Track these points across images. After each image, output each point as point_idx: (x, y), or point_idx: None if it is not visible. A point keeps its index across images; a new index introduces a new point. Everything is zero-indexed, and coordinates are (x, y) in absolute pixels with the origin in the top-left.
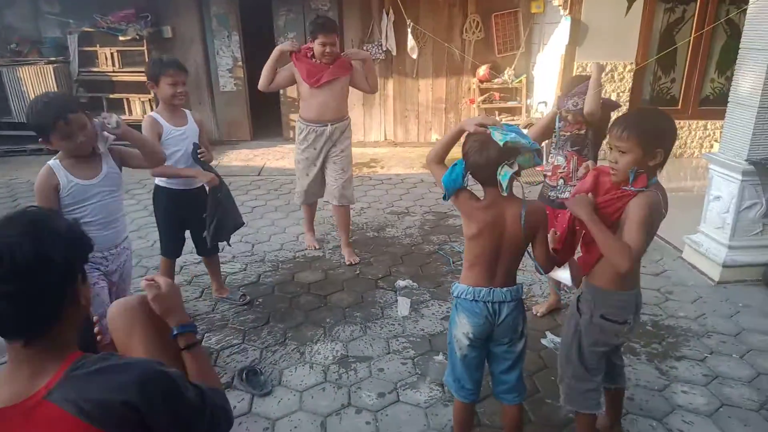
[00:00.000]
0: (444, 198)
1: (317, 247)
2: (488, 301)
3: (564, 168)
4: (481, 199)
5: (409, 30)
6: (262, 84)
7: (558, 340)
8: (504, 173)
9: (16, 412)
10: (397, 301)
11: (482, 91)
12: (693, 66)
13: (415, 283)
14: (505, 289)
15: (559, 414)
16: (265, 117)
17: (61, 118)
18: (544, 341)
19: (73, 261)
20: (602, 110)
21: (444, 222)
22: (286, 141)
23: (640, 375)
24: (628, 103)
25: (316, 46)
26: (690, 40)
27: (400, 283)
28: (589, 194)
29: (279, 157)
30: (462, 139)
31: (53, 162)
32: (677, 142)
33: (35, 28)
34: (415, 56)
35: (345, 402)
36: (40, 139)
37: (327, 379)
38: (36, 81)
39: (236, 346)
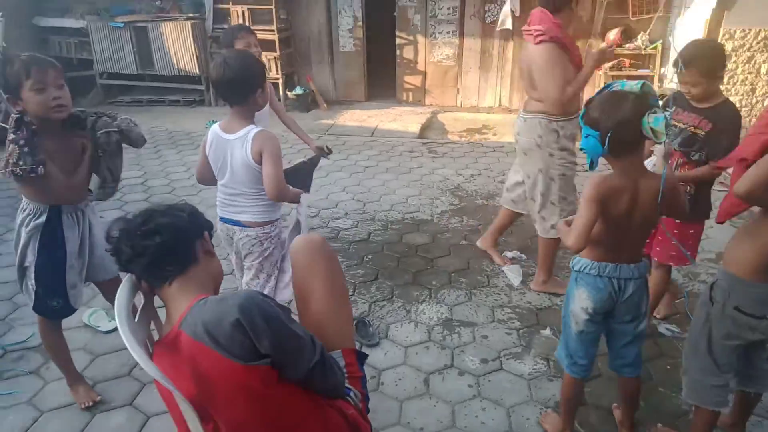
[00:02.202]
0: (591, 167)
1: None
2: (614, 277)
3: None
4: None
5: None
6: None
7: (675, 328)
8: (654, 119)
9: (168, 342)
10: (503, 271)
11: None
12: None
13: (523, 255)
14: (632, 265)
15: (672, 403)
16: (381, 78)
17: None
18: (661, 329)
19: (193, 227)
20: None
21: None
22: (398, 103)
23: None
24: None
25: (567, 11)
26: None
27: (508, 254)
28: None
29: (391, 119)
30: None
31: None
32: None
33: None
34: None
35: (448, 363)
36: (259, 91)
37: (431, 339)
38: (176, 36)
39: None
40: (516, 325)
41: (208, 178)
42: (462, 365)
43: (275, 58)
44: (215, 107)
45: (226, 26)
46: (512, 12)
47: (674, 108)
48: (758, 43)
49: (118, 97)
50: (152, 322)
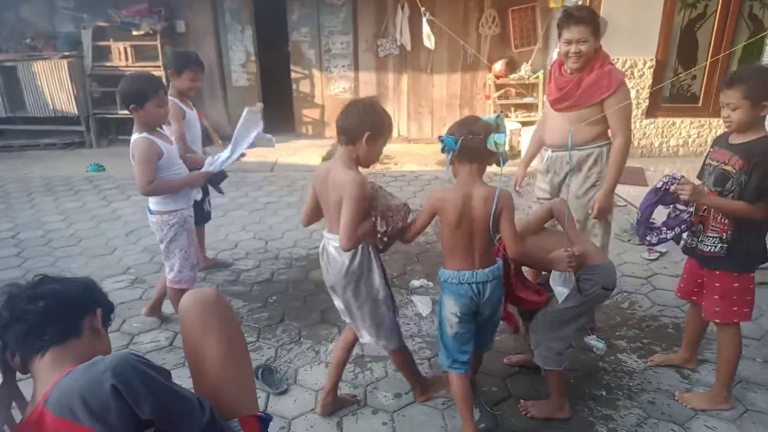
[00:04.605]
0: (451, 146)
1: None
2: (472, 283)
3: (704, 210)
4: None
5: (425, 19)
6: None
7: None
8: (498, 136)
9: (30, 423)
10: (411, 300)
11: (498, 87)
12: (714, 63)
13: (430, 283)
14: (487, 270)
15: (579, 416)
16: (279, 113)
17: (161, 89)
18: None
19: (85, 300)
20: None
21: None
22: (298, 137)
23: (661, 379)
24: (647, 100)
25: (562, 45)
26: (711, 36)
27: (415, 282)
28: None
29: (291, 153)
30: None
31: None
32: (697, 141)
33: (50, 23)
34: (429, 45)
35: (361, 402)
36: (131, 107)
37: (343, 379)
38: (50, 76)
39: (251, 344)
40: (427, 354)
41: None
42: (375, 403)
43: None
44: (97, 149)
45: (107, 64)
46: (403, 45)
47: (714, 147)
48: (626, 70)
49: None
50: (14, 403)
